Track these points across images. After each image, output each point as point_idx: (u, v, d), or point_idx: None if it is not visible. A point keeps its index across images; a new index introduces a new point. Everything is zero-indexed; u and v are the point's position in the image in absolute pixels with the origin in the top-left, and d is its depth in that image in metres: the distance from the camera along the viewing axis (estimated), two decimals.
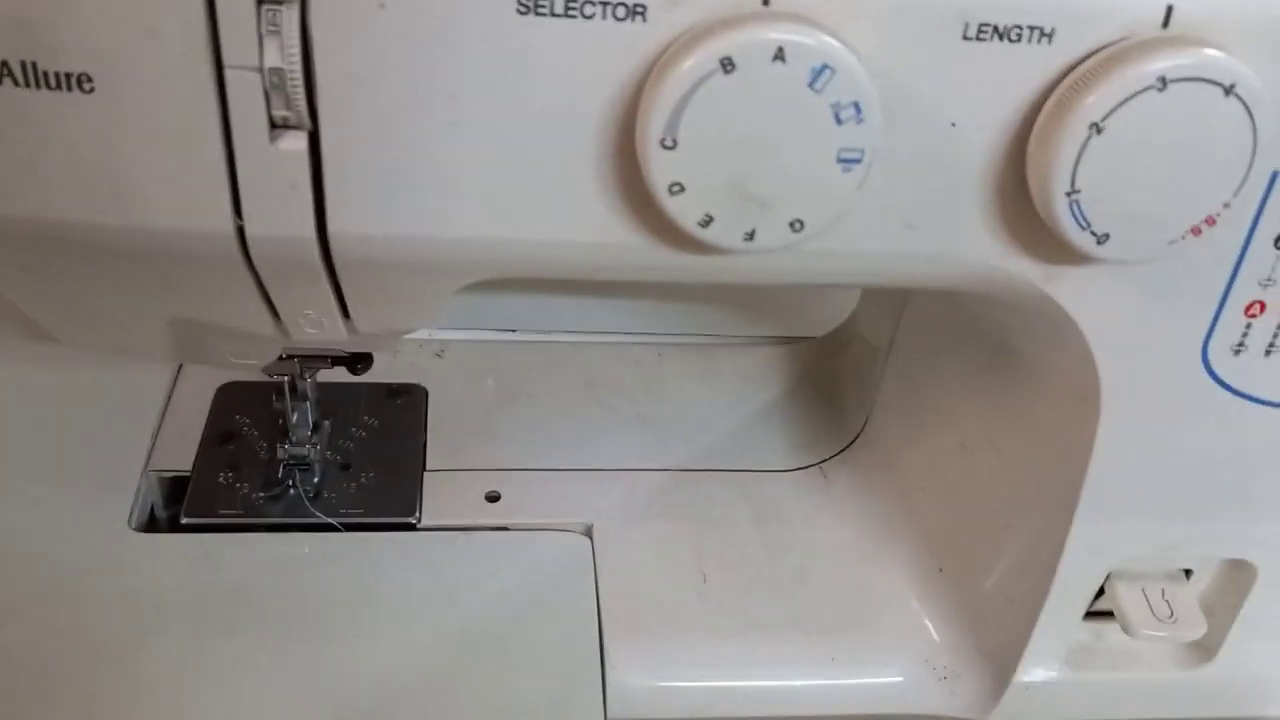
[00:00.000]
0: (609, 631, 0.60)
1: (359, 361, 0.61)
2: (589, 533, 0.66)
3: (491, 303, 0.80)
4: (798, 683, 0.60)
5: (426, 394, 0.73)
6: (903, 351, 0.67)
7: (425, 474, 0.68)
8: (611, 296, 0.81)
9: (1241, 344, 0.46)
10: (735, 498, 0.68)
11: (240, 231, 0.39)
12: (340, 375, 0.72)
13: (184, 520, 0.64)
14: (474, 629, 0.60)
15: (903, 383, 0.67)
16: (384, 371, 0.74)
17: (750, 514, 0.67)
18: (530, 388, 0.74)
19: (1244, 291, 0.44)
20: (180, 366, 0.73)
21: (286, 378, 0.62)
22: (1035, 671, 0.58)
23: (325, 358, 0.61)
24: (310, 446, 0.66)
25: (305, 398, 0.65)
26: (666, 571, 0.64)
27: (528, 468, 0.69)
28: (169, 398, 0.71)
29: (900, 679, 0.61)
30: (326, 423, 0.69)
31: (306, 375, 0.63)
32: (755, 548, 0.66)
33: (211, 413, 0.70)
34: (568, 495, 0.68)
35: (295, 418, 0.66)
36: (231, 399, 0.71)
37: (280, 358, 0.60)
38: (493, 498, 0.67)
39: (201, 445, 0.68)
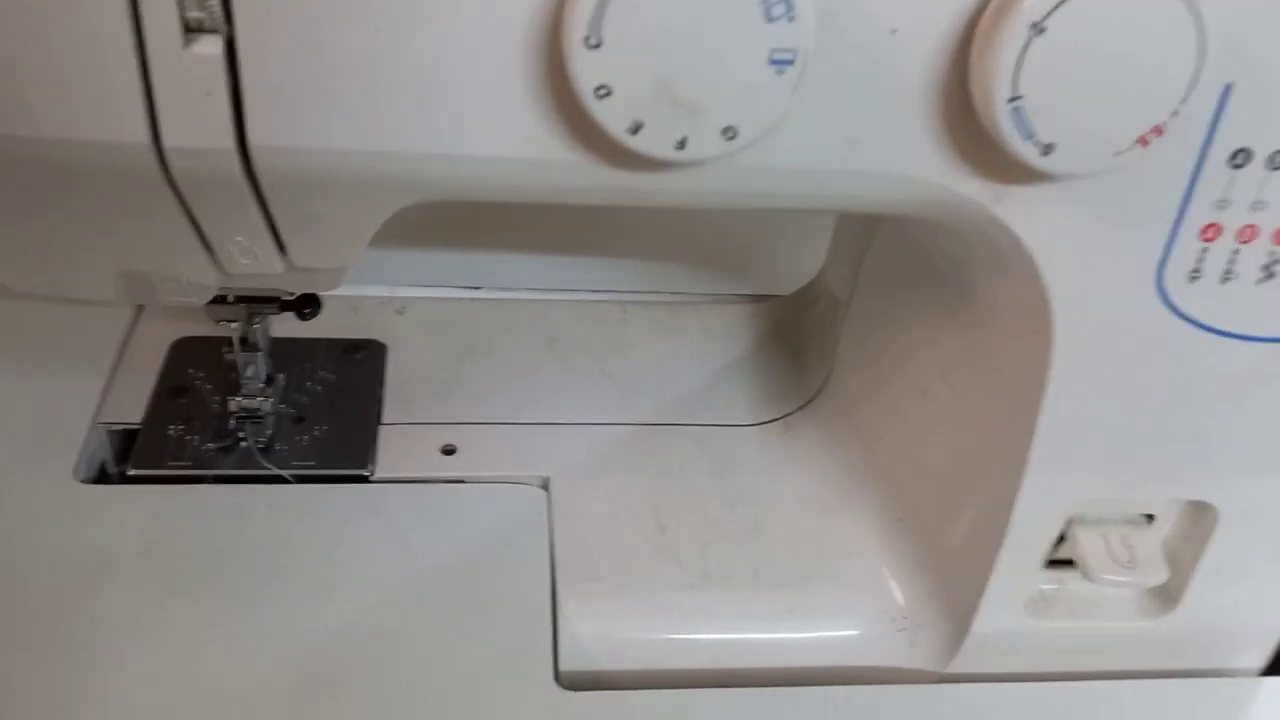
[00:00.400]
0: (562, 583, 0.59)
1: (306, 305, 0.60)
2: (546, 485, 0.65)
3: (455, 260, 0.78)
4: (754, 635, 0.59)
5: (385, 349, 0.72)
6: (862, 303, 0.66)
7: (380, 427, 0.67)
8: (576, 254, 0.80)
9: (1197, 270, 0.45)
10: (695, 452, 0.67)
11: (156, 143, 0.38)
12: (296, 329, 0.71)
13: (130, 472, 0.63)
14: (427, 581, 0.58)
15: (863, 334, 0.66)
16: (343, 328, 0.73)
17: (710, 467, 0.66)
18: (491, 344, 0.73)
19: (1198, 214, 0.43)
20: (135, 320, 0.72)
21: (236, 325, 0.61)
22: (994, 621, 0.57)
23: (272, 300, 0.60)
24: (263, 399, 0.65)
25: (257, 348, 0.64)
26: (623, 524, 0.63)
27: (485, 421, 0.68)
28: (121, 351, 0.70)
29: (858, 631, 0.60)
30: (280, 376, 0.68)
31: (256, 321, 0.61)
32: (714, 500, 0.65)
33: (165, 366, 0.69)
34: (525, 449, 0.66)
35: (248, 370, 0.65)
36: (185, 353, 0.70)
37: (225, 300, 0.59)
38: (449, 450, 0.66)
39: (153, 398, 0.67)
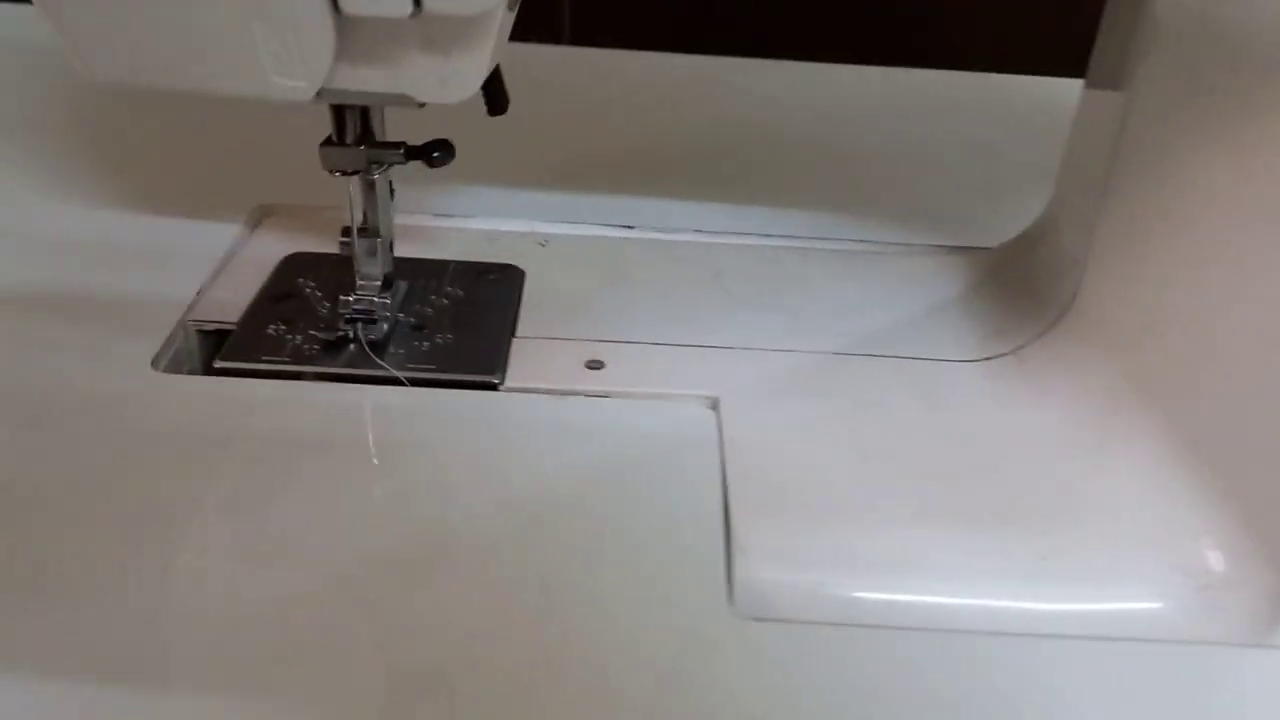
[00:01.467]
0: (738, 513, 0.46)
1: (435, 150, 0.50)
2: (714, 406, 0.52)
3: (605, 201, 0.68)
4: (996, 589, 0.44)
5: (523, 274, 0.61)
6: (1112, 225, 0.52)
7: (514, 340, 0.55)
8: (744, 201, 0.69)
9: None
10: (903, 382, 0.54)
11: None
12: (422, 247, 0.62)
13: (217, 364, 0.53)
14: (571, 502, 0.46)
15: (1118, 253, 0.52)
16: (477, 256, 0.62)
17: (924, 400, 0.52)
18: (646, 275, 0.62)
19: None
20: (250, 234, 0.63)
21: (354, 181, 0.51)
22: None
23: (396, 145, 0.50)
24: (380, 300, 0.55)
25: (378, 234, 0.54)
26: (816, 451, 0.49)
27: (638, 340, 0.56)
28: (227, 260, 0.61)
29: (1141, 591, 0.44)
30: (402, 284, 0.58)
31: (375, 172, 0.51)
32: (932, 435, 0.50)
33: (273, 275, 0.59)
34: (688, 368, 0.54)
35: (367, 263, 0.54)
36: (297, 265, 0.60)
37: (341, 142, 0.49)
38: (595, 365, 0.54)
39: (254, 302, 0.57)
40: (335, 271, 0.58)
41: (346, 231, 0.55)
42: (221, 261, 0.60)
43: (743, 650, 0.40)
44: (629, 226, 0.66)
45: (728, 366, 0.54)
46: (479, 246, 0.63)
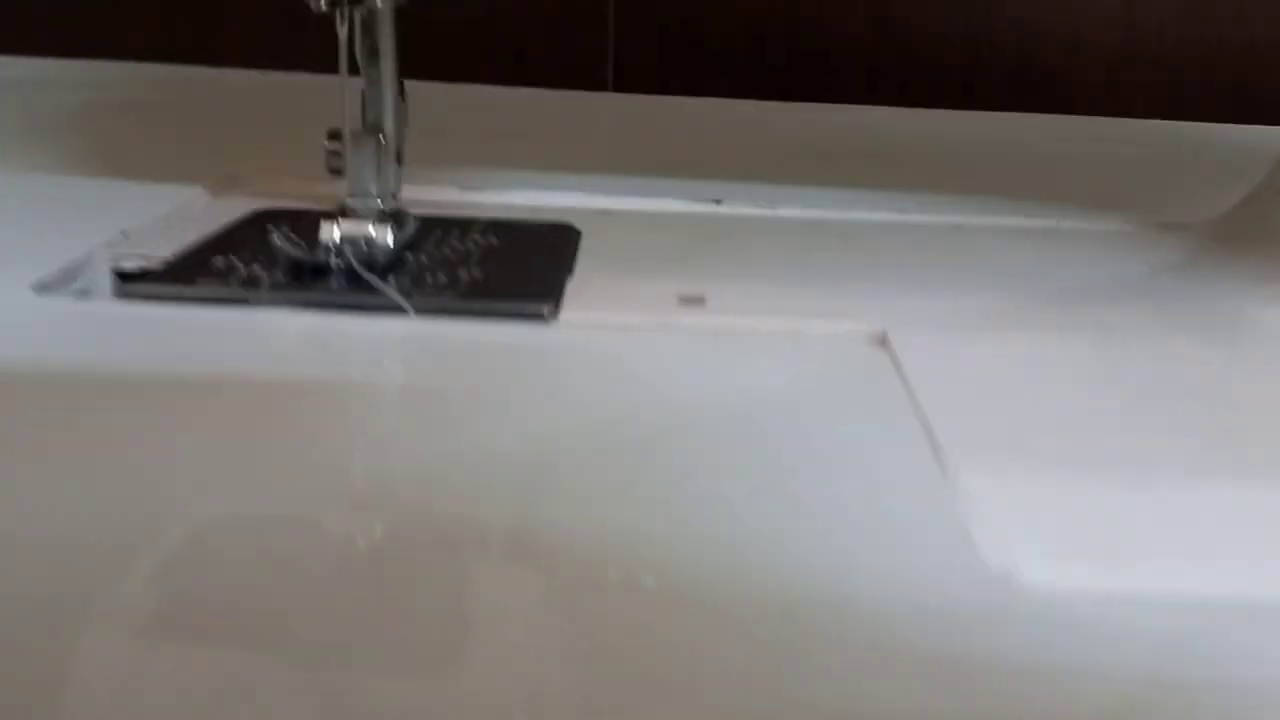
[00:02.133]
0: (962, 469, 0.27)
1: None
2: (881, 342, 0.34)
3: (680, 184, 0.52)
4: None
5: (578, 233, 0.44)
6: None
7: (570, 279, 0.38)
8: (861, 186, 0.53)
9: None
10: (1149, 310, 0.36)
11: None
12: (441, 205, 0.46)
13: (130, 290, 0.35)
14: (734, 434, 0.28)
15: None
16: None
17: (1194, 330, 0.35)
18: (750, 240, 0.45)
19: None
20: (215, 196, 0.47)
21: (348, 5, 0.36)
22: None
23: None
24: (378, 227, 0.38)
25: (378, 132, 0.38)
26: (1036, 390, 0.31)
27: (749, 275, 0.39)
28: (179, 212, 0.44)
29: None
30: (413, 219, 0.41)
31: None
32: (1219, 370, 0.32)
33: (233, 225, 0.43)
34: (826, 301, 0.36)
35: (362, 158, 0.38)
36: (267, 219, 0.44)
37: None
38: (692, 300, 0.36)
39: (201, 242, 0.40)
40: (318, 223, 0.42)
41: (333, 134, 0.39)
42: (170, 214, 0.44)
43: (1015, 620, 0.21)
44: (717, 201, 0.50)
45: (886, 299, 0.37)
46: (519, 214, 0.47)
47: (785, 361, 0.32)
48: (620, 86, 0.96)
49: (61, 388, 0.29)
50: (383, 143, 0.39)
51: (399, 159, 0.40)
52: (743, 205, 0.50)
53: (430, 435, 0.28)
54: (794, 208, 0.50)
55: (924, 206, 0.50)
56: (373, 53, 0.38)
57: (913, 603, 0.22)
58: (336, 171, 0.39)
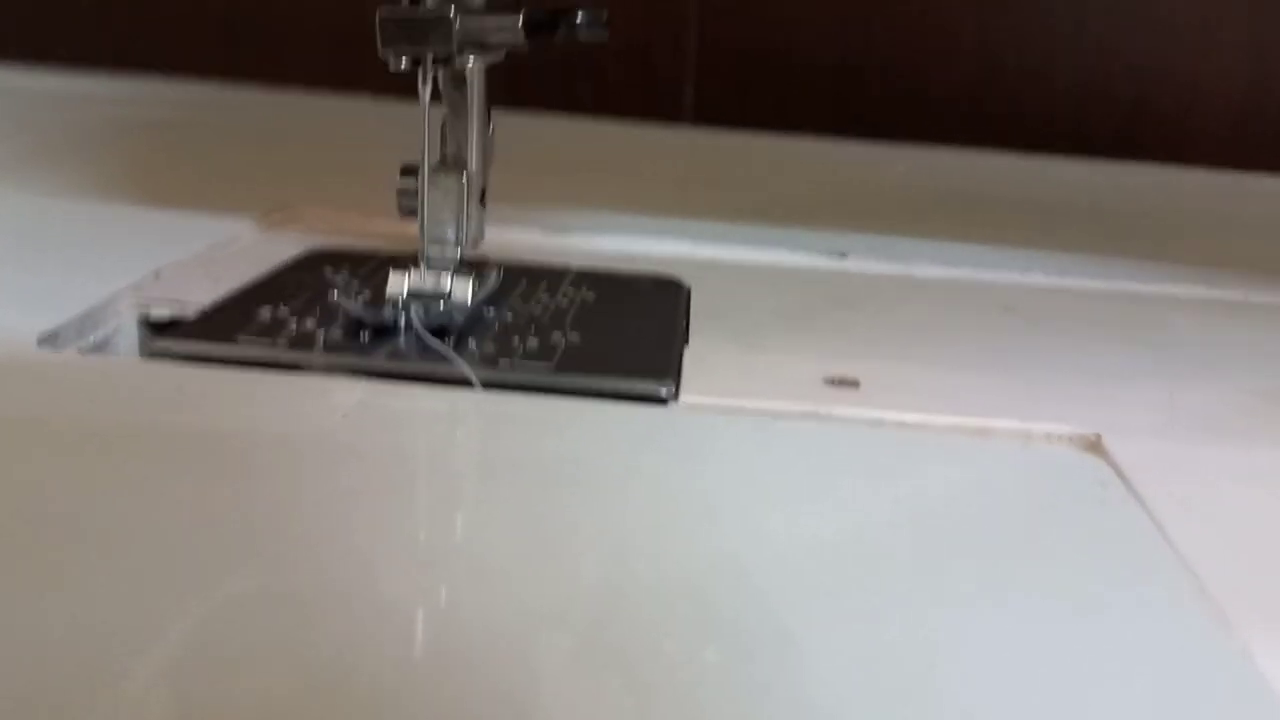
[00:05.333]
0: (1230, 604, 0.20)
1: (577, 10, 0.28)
2: (1094, 447, 0.27)
3: (799, 234, 0.45)
4: None
5: (687, 289, 0.38)
6: None
7: (688, 348, 0.31)
8: (1011, 244, 0.46)
9: None
10: None
11: None
12: (527, 251, 0.40)
13: (155, 346, 0.29)
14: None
15: None
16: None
17: None
18: (891, 301, 0.38)
19: None
20: (265, 231, 0.41)
21: (434, 64, 0.29)
22: None
23: (511, 10, 0.28)
24: (458, 277, 0.31)
25: (461, 168, 0.32)
26: None
27: (903, 358, 0.31)
28: (221, 247, 0.38)
29: None
30: (495, 268, 0.35)
31: (470, 56, 0.29)
32: None
33: (284, 267, 0.36)
34: (1011, 396, 0.29)
35: (437, 209, 0.32)
36: (322, 260, 0.37)
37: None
38: (842, 382, 0.29)
39: (245, 288, 0.34)
40: (381, 269, 0.36)
41: (407, 170, 0.33)
42: (211, 250, 0.38)
43: None
44: (840, 254, 0.43)
45: (1081, 389, 0.30)
46: (614, 264, 0.40)
47: (981, 469, 0.25)
48: (700, 118, 0.89)
49: (52, 472, 0.23)
50: (465, 182, 0.32)
51: (482, 200, 0.34)
52: (870, 260, 0.43)
53: (544, 563, 0.21)
54: (931, 265, 0.42)
55: (1085, 269, 0.43)
56: (459, 78, 0.31)
57: None
58: (409, 213, 0.33)
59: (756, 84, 0.88)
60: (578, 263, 0.39)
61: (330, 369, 0.28)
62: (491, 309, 0.33)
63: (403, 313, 0.30)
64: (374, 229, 0.42)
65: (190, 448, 0.24)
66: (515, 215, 0.42)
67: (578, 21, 0.31)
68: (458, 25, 0.30)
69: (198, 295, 0.33)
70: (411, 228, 0.34)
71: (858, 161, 0.67)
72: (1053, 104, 0.85)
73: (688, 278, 0.38)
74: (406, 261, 0.32)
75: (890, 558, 0.21)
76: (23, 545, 0.20)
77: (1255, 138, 0.85)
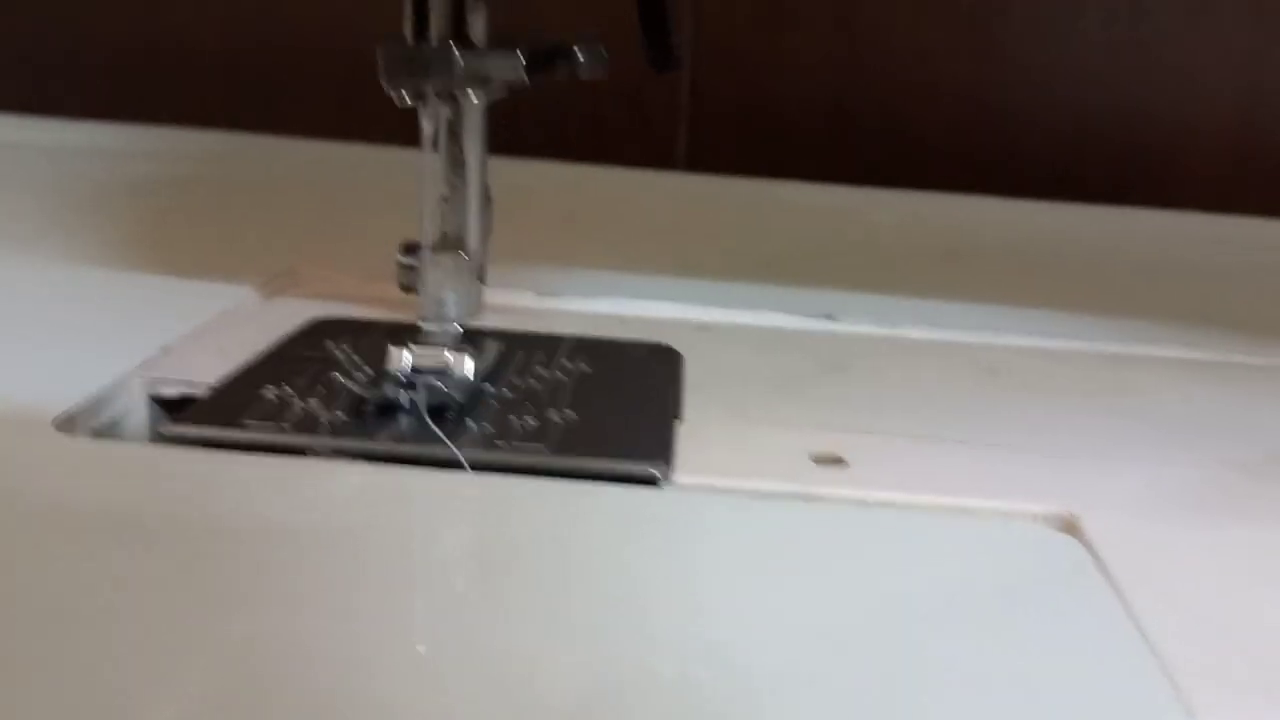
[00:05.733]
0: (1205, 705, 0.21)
1: (580, 45, 0.29)
2: (1069, 527, 0.28)
3: (786, 292, 0.47)
4: None
5: (679, 356, 0.39)
6: None
7: (680, 424, 0.32)
8: (993, 300, 0.47)
9: None
10: None
11: None
12: (523, 317, 0.41)
13: (165, 430, 0.30)
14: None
15: None
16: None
17: None
18: (878, 366, 0.39)
19: None
20: (266, 298, 0.42)
21: (436, 101, 0.30)
22: None
23: (510, 45, 0.29)
24: (456, 353, 0.32)
25: (459, 248, 0.33)
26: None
27: (890, 432, 0.32)
28: (226, 317, 0.39)
29: None
30: (494, 343, 0.36)
31: (471, 92, 0.30)
32: None
33: (289, 339, 0.38)
34: (992, 462, 0.30)
35: (438, 284, 0.33)
36: (327, 331, 0.38)
37: None
38: (828, 459, 0.30)
39: (251, 364, 0.35)
40: (383, 340, 0.37)
41: (409, 248, 0.34)
42: (216, 321, 0.39)
43: None
44: (828, 316, 0.44)
45: (1060, 463, 0.31)
46: (607, 327, 0.42)
47: (960, 550, 0.26)
48: (692, 164, 0.90)
49: (76, 561, 0.24)
50: (465, 259, 0.33)
51: (481, 277, 0.35)
52: (859, 322, 0.44)
53: (534, 657, 0.22)
54: (918, 327, 0.44)
55: (1069, 330, 0.44)
56: (456, 160, 0.33)
57: None
58: (409, 289, 0.34)
59: (749, 129, 0.89)
60: (571, 325, 0.40)
61: (334, 453, 0.29)
62: (489, 385, 0.34)
63: (404, 390, 0.32)
64: (375, 293, 0.43)
65: (200, 538, 0.25)
66: (508, 277, 0.43)
67: (578, 58, 0.32)
68: (458, 59, 0.31)
69: (206, 373, 0.34)
70: (412, 295, 0.35)
71: (847, 209, 0.68)
72: (1043, 147, 0.87)
73: (680, 341, 0.39)
74: (406, 334, 0.34)
75: (872, 645, 0.22)
76: (48, 632, 0.21)
77: (1248, 178, 0.86)
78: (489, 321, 0.37)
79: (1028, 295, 0.49)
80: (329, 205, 0.59)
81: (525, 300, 0.44)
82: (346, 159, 0.71)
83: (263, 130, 0.79)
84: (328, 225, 0.54)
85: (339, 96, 0.86)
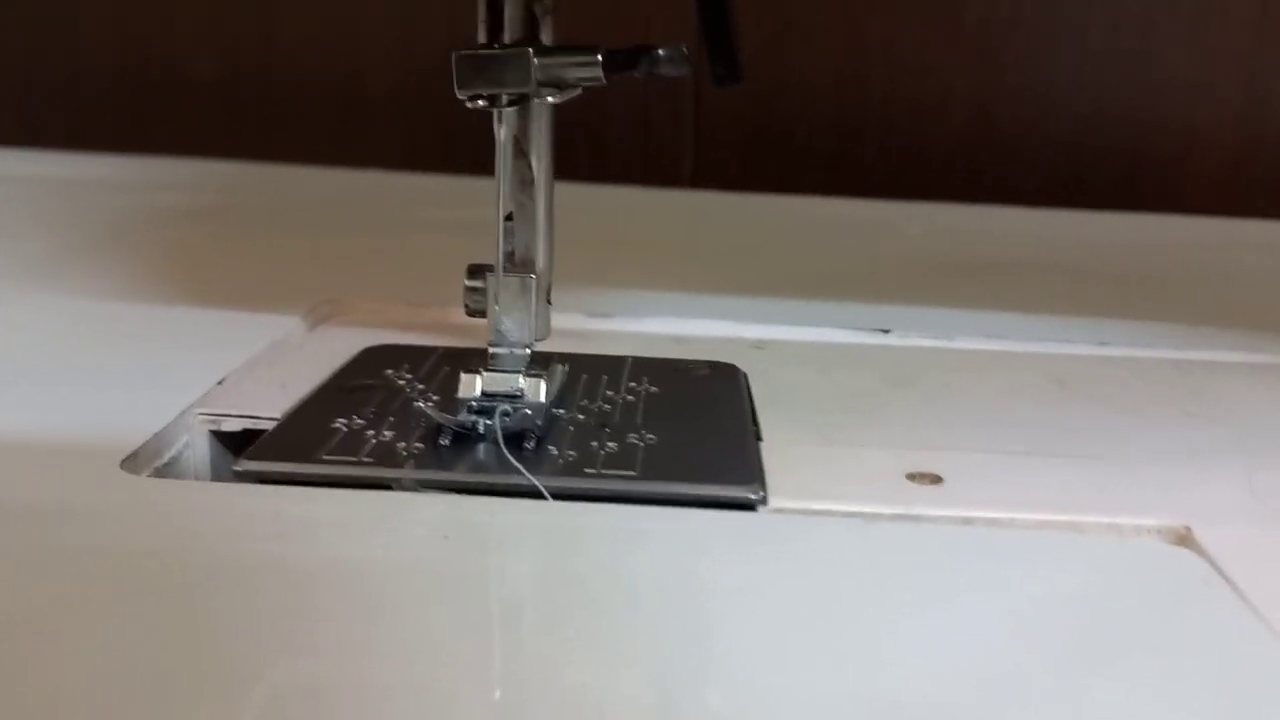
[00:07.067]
0: None
1: (661, 49, 0.28)
2: (1183, 540, 0.27)
3: (839, 308, 0.46)
4: None
5: (743, 374, 0.38)
6: None
7: (762, 445, 0.32)
8: (1042, 310, 0.47)
9: None
10: None
11: None
12: (586, 340, 0.40)
13: (238, 467, 0.29)
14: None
15: None
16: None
17: None
18: (949, 379, 0.38)
19: None
20: (313, 327, 0.41)
21: (510, 108, 0.29)
22: None
23: (588, 50, 0.28)
24: (530, 378, 0.32)
25: (532, 270, 0.32)
26: None
27: (975, 432, 0.32)
28: (276, 348, 0.38)
29: None
30: (560, 365, 0.35)
31: (546, 94, 0.29)
32: None
33: (344, 367, 0.37)
34: (1087, 474, 0.30)
35: (510, 307, 0.32)
36: (381, 359, 0.37)
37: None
38: (925, 477, 0.29)
39: (312, 395, 0.34)
40: (440, 366, 0.36)
41: (474, 271, 0.33)
42: (267, 352, 0.38)
43: None
44: (884, 330, 0.43)
45: (1157, 473, 0.30)
46: (663, 347, 0.41)
47: (1084, 569, 0.25)
48: (698, 182, 0.90)
49: (166, 608, 0.22)
50: (533, 280, 0.33)
51: (548, 298, 0.34)
52: (915, 335, 0.43)
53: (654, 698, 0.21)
54: (973, 338, 0.43)
55: (1127, 337, 0.43)
56: (525, 179, 0.32)
57: None
58: (477, 313, 0.33)
59: (754, 146, 0.88)
60: (627, 348, 0.39)
61: (418, 485, 0.28)
62: (561, 411, 0.33)
63: (481, 419, 0.31)
64: (421, 320, 0.42)
65: (297, 578, 0.24)
66: (556, 298, 0.42)
67: (660, 55, 0.31)
68: (535, 63, 0.30)
69: (267, 406, 0.33)
70: (459, 317, 0.34)
71: (874, 221, 0.67)
72: (1050, 156, 0.87)
73: (739, 360, 0.39)
74: (471, 359, 0.33)
75: (1014, 671, 0.22)
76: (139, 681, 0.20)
77: (1249, 182, 0.86)
78: (547, 344, 0.37)
79: (1076, 304, 0.48)
80: (354, 232, 0.58)
81: (577, 322, 0.43)
82: (353, 186, 0.70)
83: (261, 159, 0.78)
84: (357, 251, 0.53)
85: (335, 124, 0.85)
